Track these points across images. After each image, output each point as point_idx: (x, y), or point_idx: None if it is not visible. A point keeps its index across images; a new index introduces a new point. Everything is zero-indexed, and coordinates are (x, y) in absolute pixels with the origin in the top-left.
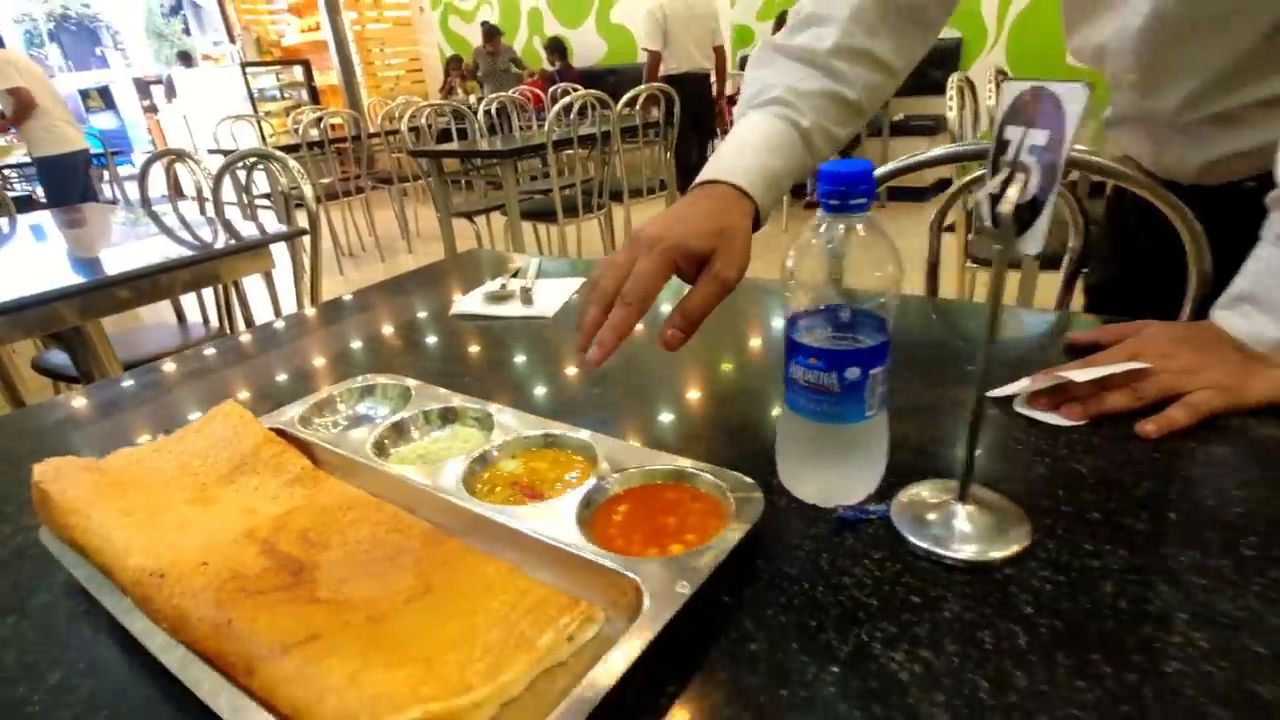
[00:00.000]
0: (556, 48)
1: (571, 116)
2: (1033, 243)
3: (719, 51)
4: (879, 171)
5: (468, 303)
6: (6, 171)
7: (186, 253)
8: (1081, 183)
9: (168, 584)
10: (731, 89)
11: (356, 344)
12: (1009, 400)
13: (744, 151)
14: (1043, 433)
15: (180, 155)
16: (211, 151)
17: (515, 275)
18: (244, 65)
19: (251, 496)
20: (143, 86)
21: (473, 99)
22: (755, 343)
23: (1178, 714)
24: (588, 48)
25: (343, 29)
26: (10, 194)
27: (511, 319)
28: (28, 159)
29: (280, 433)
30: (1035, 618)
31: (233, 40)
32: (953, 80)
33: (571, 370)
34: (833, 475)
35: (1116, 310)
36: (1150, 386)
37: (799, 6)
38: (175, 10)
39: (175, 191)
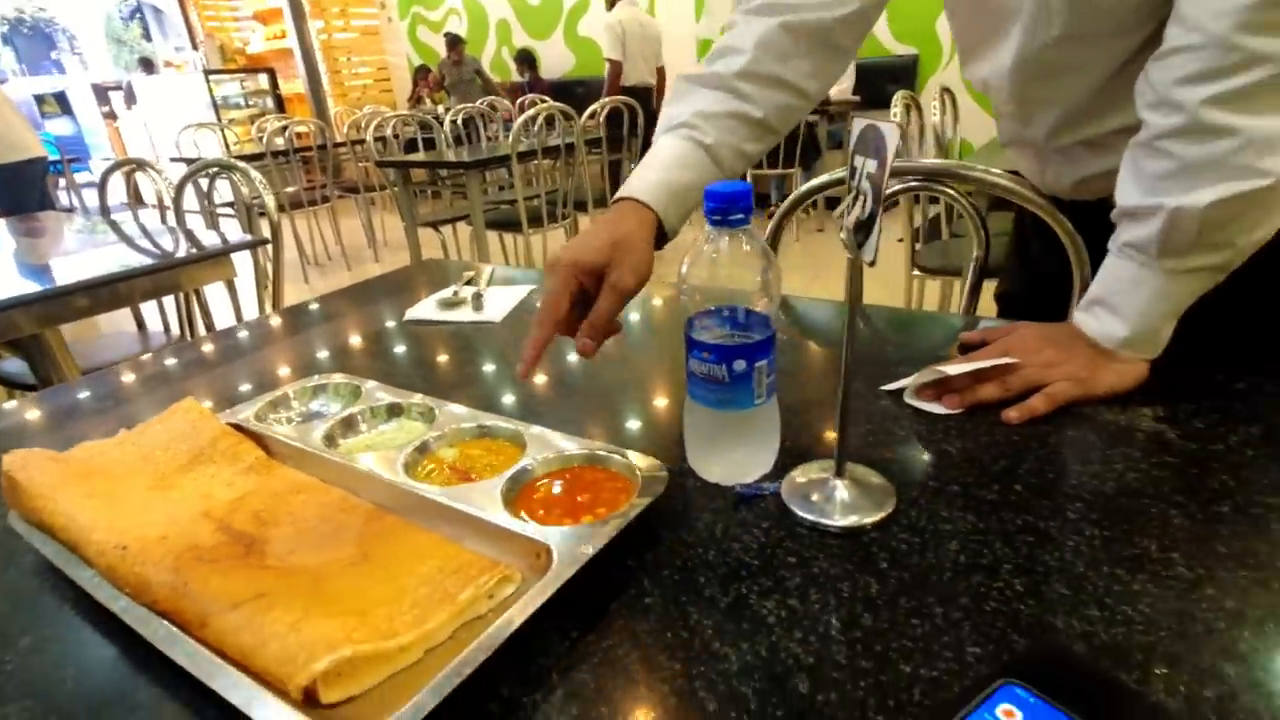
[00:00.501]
0: (526, 59)
1: (537, 128)
2: (869, 252)
3: (661, 71)
4: (808, 186)
5: (421, 309)
6: None
7: (147, 261)
8: (981, 198)
9: (130, 555)
10: None
11: (314, 347)
12: (901, 392)
13: (648, 170)
14: (924, 420)
15: (140, 164)
16: (174, 160)
17: (469, 283)
18: (207, 72)
19: (209, 483)
20: (101, 93)
21: (440, 109)
22: (674, 341)
23: (986, 642)
24: (556, 60)
25: (309, 37)
26: None
27: (462, 324)
28: None
29: (237, 427)
30: (888, 571)
31: (195, 47)
32: (898, 98)
33: (511, 370)
34: (730, 457)
35: (1023, 316)
36: (1017, 379)
37: (721, 41)
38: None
39: (135, 200)
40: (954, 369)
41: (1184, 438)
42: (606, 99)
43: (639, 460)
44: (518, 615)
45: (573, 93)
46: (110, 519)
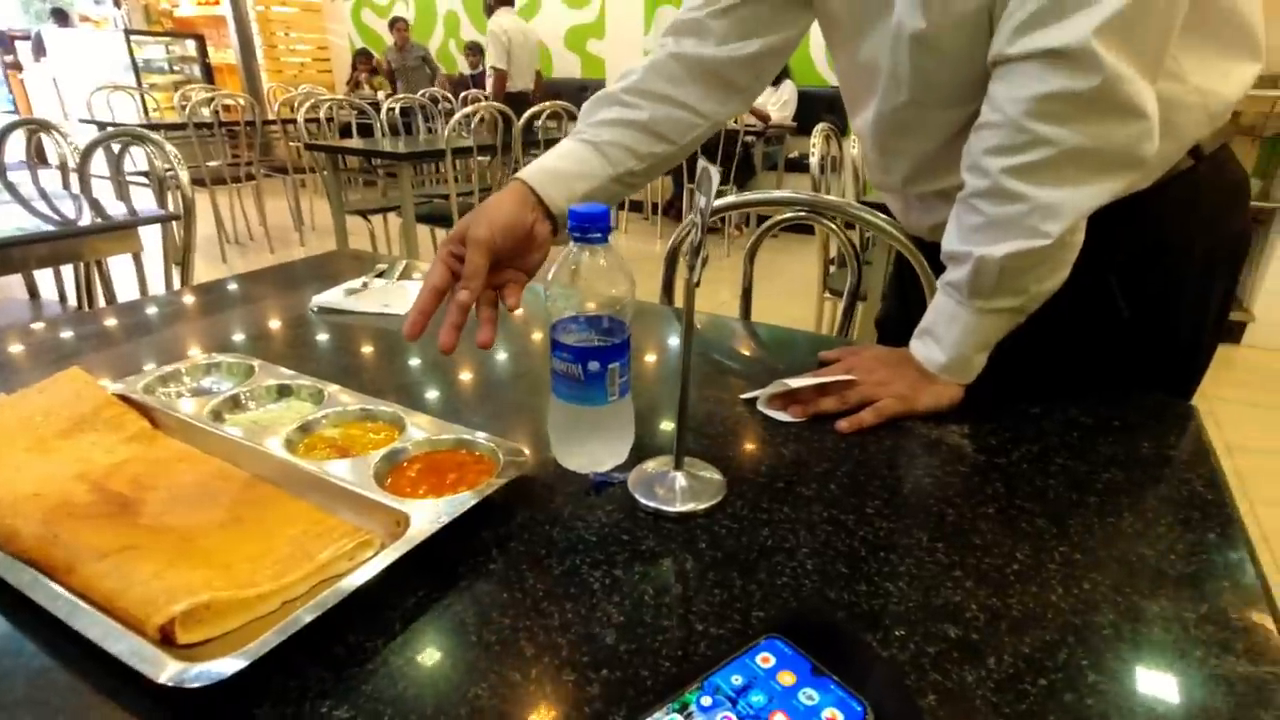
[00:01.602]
0: (476, 50)
1: (474, 125)
2: (696, 274)
3: (539, 74)
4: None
5: (329, 296)
6: None
7: (44, 227)
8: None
9: (1, 508)
10: None
11: (216, 327)
12: (755, 400)
13: (536, 160)
14: (771, 426)
15: (45, 125)
16: (83, 121)
17: (380, 275)
18: (128, 32)
19: (89, 450)
20: (6, 41)
21: (380, 95)
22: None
23: (770, 609)
24: None
25: (244, 7)
26: None
27: (366, 314)
28: None
29: (124, 398)
30: (705, 550)
31: (117, 4)
32: (818, 129)
33: (410, 361)
34: (586, 448)
35: (896, 341)
36: (853, 394)
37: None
38: None
39: (38, 160)
40: (798, 383)
41: (977, 451)
42: (485, 105)
43: (504, 446)
44: (368, 573)
45: (517, 96)
46: None
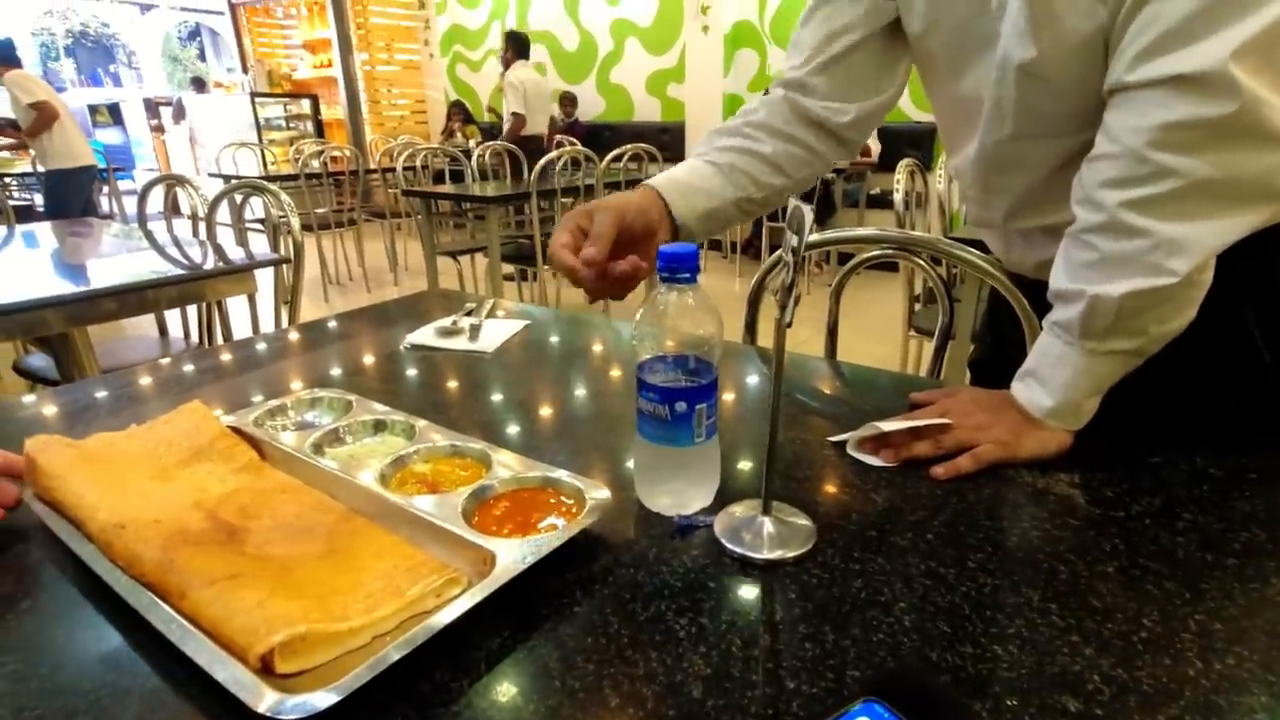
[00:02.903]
0: (570, 99)
1: (559, 168)
2: (788, 314)
3: (553, 120)
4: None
5: (421, 334)
6: (8, 180)
7: (175, 271)
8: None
9: (127, 533)
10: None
11: (319, 362)
12: (845, 444)
13: (663, 173)
14: (860, 470)
15: (180, 180)
16: (212, 175)
17: (469, 314)
18: (253, 95)
19: (204, 479)
20: (152, 107)
21: (472, 143)
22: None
23: (866, 668)
24: (588, 104)
25: (353, 68)
26: (11, 204)
27: (455, 352)
28: (29, 170)
29: (236, 430)
30: (795, 600)
31: (245, 70)
32: (903, 165)
33: (495, 396)
34: (672, 489)
35: (992, 383)
36: (948, 439)
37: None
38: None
39: (172, 211)
40: (890, 426)
41: (1091, 503)
42: (570, 150)
43: (589, 486)
44: (455, 611)
45: (602, 135)
46: (113, 501)
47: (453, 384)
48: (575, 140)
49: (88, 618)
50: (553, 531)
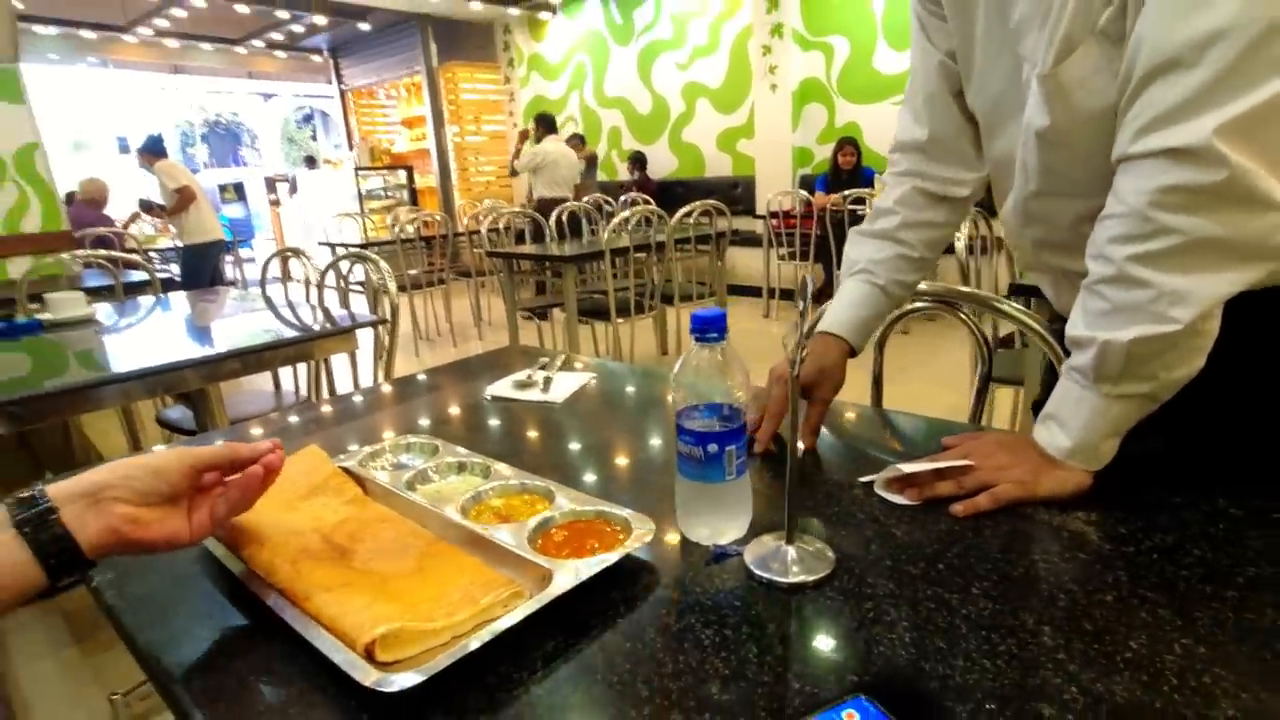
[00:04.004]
0: (638, 159)
1: (631, 226)
2: (797, 368)
3: (579, 188)
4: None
5: (499, 387)
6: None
7: (290, 333)
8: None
9: (267, 549)
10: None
11: (410, 412)
12: (872, 483)
13: (839, 309)
14: (885, 507)
15: (296, 252)
16: (321, 244)
17: (542, 368)
18: (357, 169)
19: (321, 510)
20: (271, 183)
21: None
22: None
23: (865, 674)
24: (660, 162)
25: (444, 140)
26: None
27: (529, 403)
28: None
29: (345, 470)
30: (809, 618)
31: (351, 147)
32: (973, 213)
33: (561, 441)
34: (708, 521)
35: None
36: (970, 479)
37: (876, 202)
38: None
39: (286, 276)
40: (911, 467)
41: (1102, 538)
42: (641, 209)
43: (636, 518)
44: (517, 617)
45: (674, 191)
46: (252, 526)
47: (525, 430)
48: (648, 197)
49: (234, 619)
50: (602, 555)
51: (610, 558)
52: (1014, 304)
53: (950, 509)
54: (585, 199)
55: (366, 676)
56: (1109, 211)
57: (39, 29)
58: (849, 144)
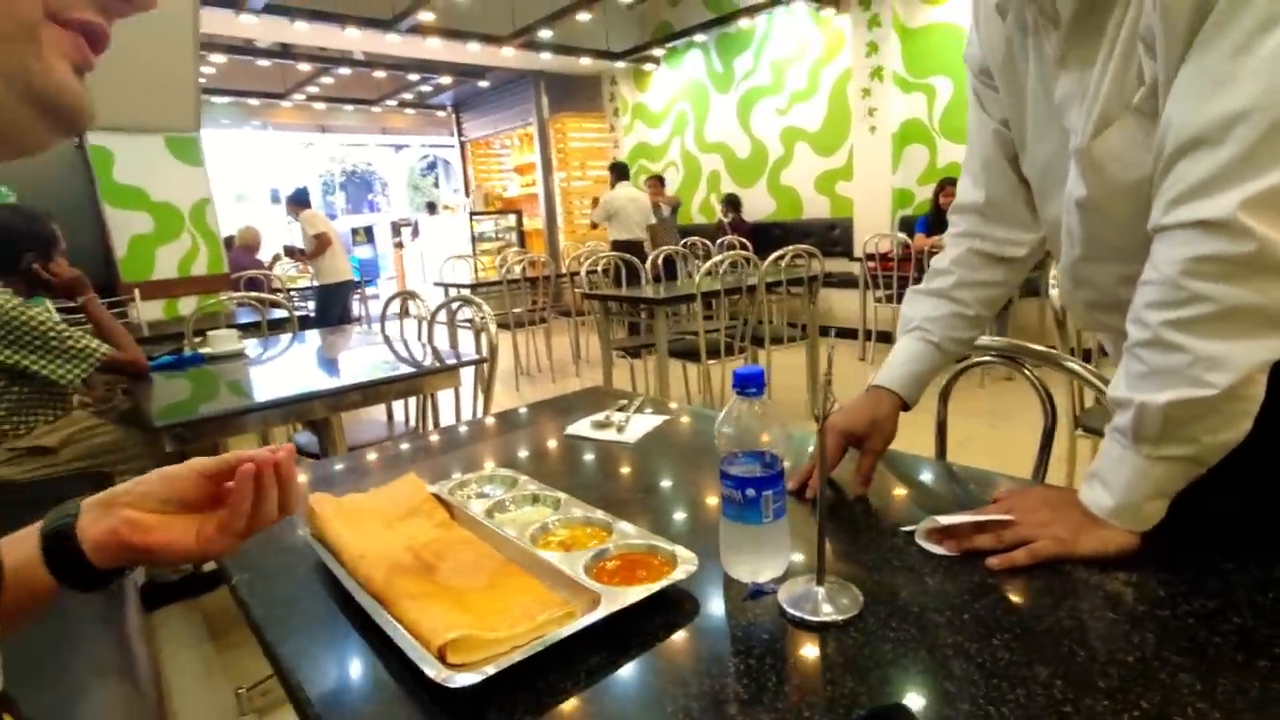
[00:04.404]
0: (731, 202)
1: (723, 270)
2: (821, 420)
3: (651, 229)
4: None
5: (578, 426)
6: (292, 293)
7: (403, 369)
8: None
9: (365, 561)
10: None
11: (499, 445)
12: (913, 533)
13: (894, 366)
14: (923, 558)
15: (411, 294)
16: (436, 284)
17: (620, 409)
18: (471, 214)
19: (413, 530)
20: (395, 227)
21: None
22: None
23: (870, 705)
24: (759, 204)
25: (552, 186)
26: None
27: (605, 441)
28: (308, 284)
29: (437, 496)
30: (830, 654)
31: (468, 193)
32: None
33: (628, 479)
34: (747, 560)
35: None
36: (1009, 533)
37: (933, 262)
38: (431, 168)
39: (403, 314)
40: (948, 520)
41: (1137, 600)
42: (733, 254)
43: (683, 553)
44: (566, 632)
45: (771, 233)
46: (358, 540)
47: (597, 468)
48: (744, 240)
49: (335, 618)
50: (647, 585)
51: (653, 587)
52: (1076, 361)
53: (986, 562)
54: (662, 247)
55: (437, 673)
56: (1146, 278)
57: (216, 99)
58: (951, 184)
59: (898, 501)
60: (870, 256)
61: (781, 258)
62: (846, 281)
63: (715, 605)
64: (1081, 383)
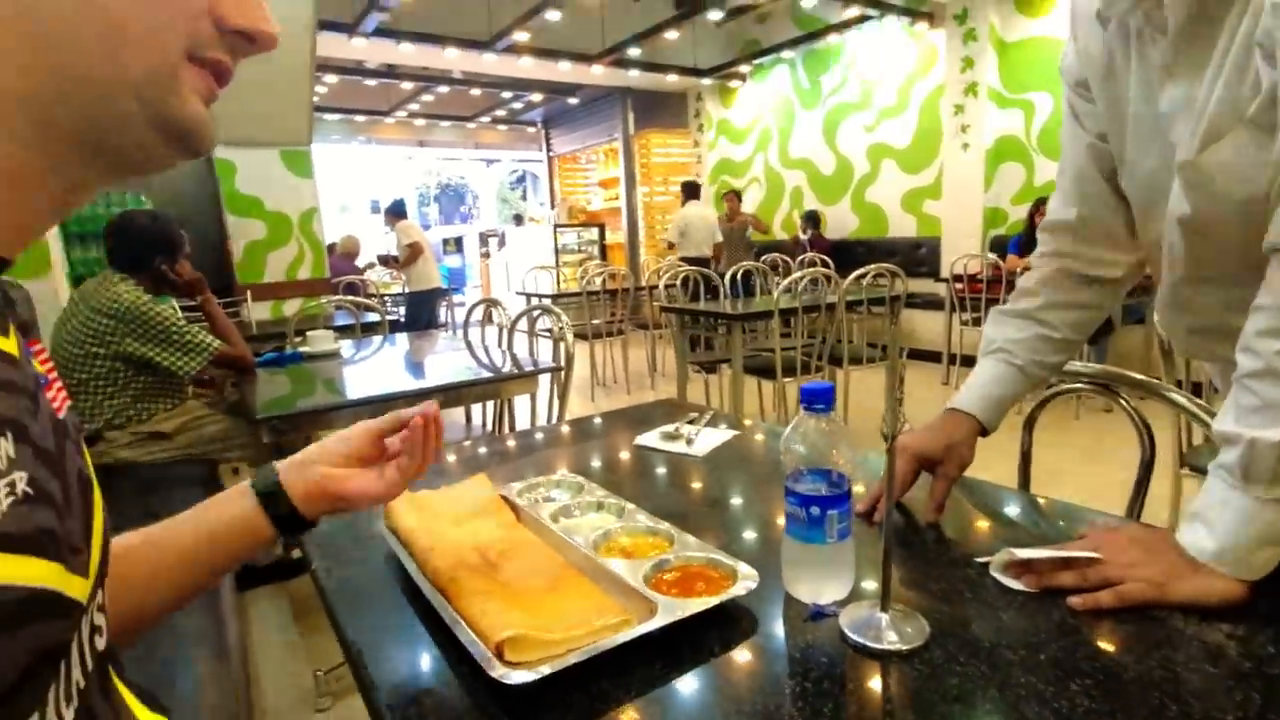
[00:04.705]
0: (810, 218)
1: (801, 287)
2: (889, 443)
3: (717, 246)
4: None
5: (648, 437)
6: (385, 299)
7: (482, 374)
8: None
9: (433, 555)
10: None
11: (570, 452)
12: (989, 565)
13: (973, 388)
14: (998, 591)
15: (494, 302)
16: (519, 293)
17: (690, 422)
18: (556, 226)
19: (480, 528)
20: (484, 238)
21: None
22: None
23: None
24: (842, 221)
25: (635, 200)
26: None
27: (673, 453)
28: (400, 291)
29: (505, 498)
30: (891, 686)
31: (553, 206)
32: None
33: (694, 491)
34: (810, 580)
35: None
36: (1094, 573)
37: (1019, 282)
38: (520, 181)
39: (487, 320)
40: (1026, 553)
41: (1242, 655)
42: (813, 270)
43: (744, 568)
44: (620, 639)
45: (854, 251)
46: (428, 534)
47: (664, 479)
48: (825, 257)
49: (404, 607)
50: (704, 598)
51: (711, 601)
52: (1180, 392)
53: (1068, 601)
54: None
55: (494, 669)
56: (1259, 303)
57: (327, 116)
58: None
59: (973, 531)
60: (958, 277)
61: (863, 276)
62: (932, 303)
63: (775, 624)
64: (1188, 417)
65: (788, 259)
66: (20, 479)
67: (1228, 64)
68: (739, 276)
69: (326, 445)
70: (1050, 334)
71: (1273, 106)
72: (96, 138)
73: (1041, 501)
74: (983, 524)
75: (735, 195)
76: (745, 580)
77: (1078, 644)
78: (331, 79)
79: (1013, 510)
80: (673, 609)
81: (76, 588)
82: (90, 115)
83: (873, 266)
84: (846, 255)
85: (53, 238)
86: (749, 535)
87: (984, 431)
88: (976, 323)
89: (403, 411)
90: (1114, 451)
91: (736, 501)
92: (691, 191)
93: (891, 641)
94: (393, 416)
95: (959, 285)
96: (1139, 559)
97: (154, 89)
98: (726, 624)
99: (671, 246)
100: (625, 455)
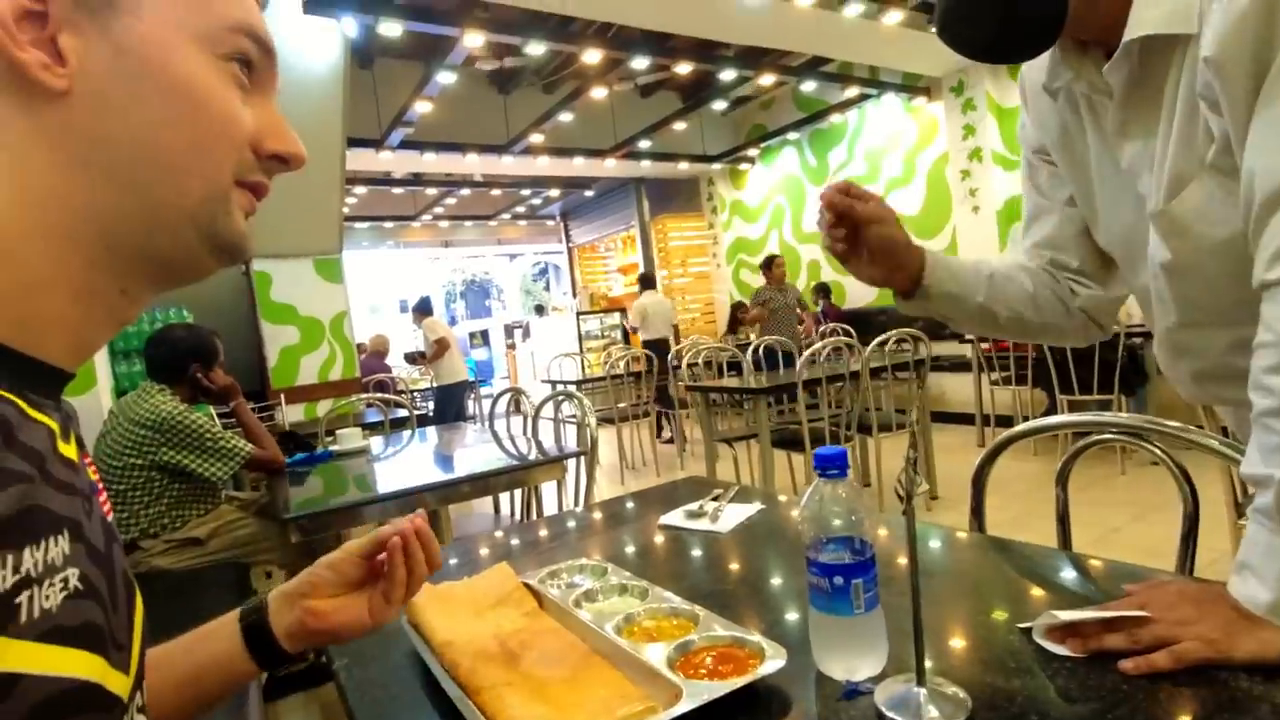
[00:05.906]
0: (822, 289)
1: (824, 357)
2: (906, 505)
3: (675, 328)
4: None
5: (672, 516)
6: (414, 394)
7: (509, 462)
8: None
9: (452, 648)
10: None
11: (593, 536)
12: (1031, 630)
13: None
14: (1043, 657)
15: (519, 391)
16: (544, 381)
17: (714, 499)
18: (578, 314)
19: (501, 618)
20: (509, 330)
21: (751, 336)
22: None
23: None
24: (860, 291)
25: (655, 282)
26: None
27: (697, 531)
28: (428, 385)
29: (527, 585)
30: None
31: (575, 295)
32: None
33: (720, 570)
34: (840, 655)
35: None
36: (1145, 633)
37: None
38: (542, 274)
39: (511, 411)
40: (1069, 616)
41: None
42: (834, 340)
43: (771, 646)
44: None
45: (874, 320)
46: (447, 627)
47: (689, 558)
48: (847, 326)
49: (424, 700)
50: (732, 679)
51: (738, 682)
52: (1215, 437)
53: (1119, 665)
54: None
55: None
56: (1261, 340)
57: (357, 225)
58: None
59: (1012, 594)
60: (983, 337)
61: (885, 342)
62: (959, 365)
63: (807, 704)
64: (1231, 464)
65: (810, 330)
66: (73, 575)
67: (1177, 117)
68: (762, 350)
69: (316, 573)
70: (1024, 282)
71: (1228, 150)
72: (154, 253)
73: (1084, 560)
74: (1022, 586)
75: (774, 262)
76: (773, 659)
77: (1134, 712)
78: (361, 190)
79: (1054, 571)
80: (698, 692)
81: (118, 683)
82: (153, 235)
83: (894, 332)
84: (869, 324)
85: (100, 355)
86: (778, 611)
87: (920, 279)
88: (1006, 381)
89: (381, 531)
90: (1165, 506)
91: (763, 578)
92: (647, 282)
93: (931, 719)
94: (372, 537)
95: (985, 344)
96: (1190, 615)
97: (208, 211)
98: (756, 706)
99: (635, 331)
100: (649, 535)
